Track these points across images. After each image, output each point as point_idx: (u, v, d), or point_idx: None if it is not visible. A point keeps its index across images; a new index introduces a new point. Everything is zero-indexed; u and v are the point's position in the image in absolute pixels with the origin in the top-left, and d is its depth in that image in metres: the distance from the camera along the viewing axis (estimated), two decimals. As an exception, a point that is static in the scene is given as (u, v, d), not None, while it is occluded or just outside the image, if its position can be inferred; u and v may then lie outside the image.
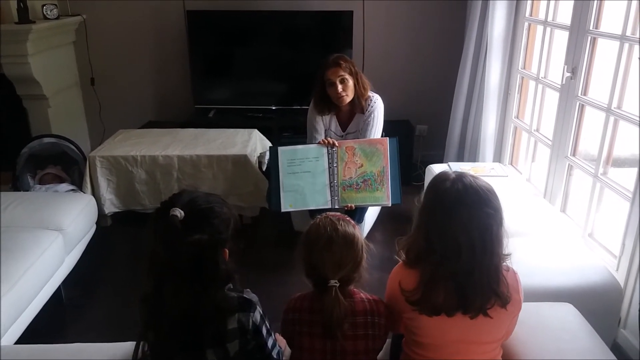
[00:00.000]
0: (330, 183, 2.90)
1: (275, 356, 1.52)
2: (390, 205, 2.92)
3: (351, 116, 3.10)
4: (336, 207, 2.87)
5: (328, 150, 2.90)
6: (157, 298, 1.34)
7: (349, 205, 2.87)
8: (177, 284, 1.31)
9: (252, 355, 1.46)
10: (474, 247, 1.36)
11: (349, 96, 2.96)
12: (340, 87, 2.91)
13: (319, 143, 2.93)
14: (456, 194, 1.38)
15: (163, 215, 1.28)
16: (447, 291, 1.39)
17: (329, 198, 2.89)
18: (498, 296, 1.39)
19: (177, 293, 1.31)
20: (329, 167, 2.90)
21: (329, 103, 3.02)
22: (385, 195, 2.88)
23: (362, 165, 2.89)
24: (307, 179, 2.89)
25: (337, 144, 2.91)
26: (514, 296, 1.42)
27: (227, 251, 1.37)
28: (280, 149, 2.93)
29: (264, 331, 1.45)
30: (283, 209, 2.91)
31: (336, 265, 1.45)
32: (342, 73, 2.90)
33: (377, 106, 3.06)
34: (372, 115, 3.04)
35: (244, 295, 1.41)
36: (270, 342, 1.48)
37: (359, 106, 3.04)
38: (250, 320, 1.39)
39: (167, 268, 1.31)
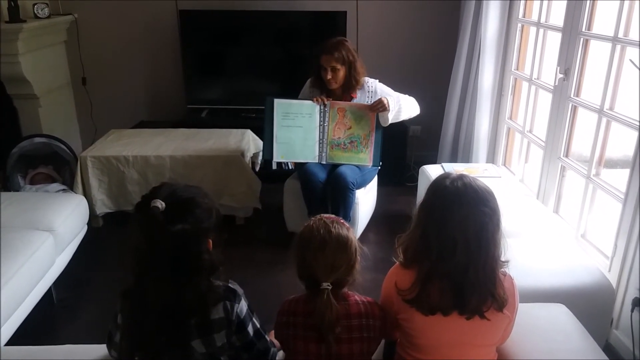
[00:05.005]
0: (320, 140, 3.09)
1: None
2: (370, 166, 3.13)
3: (345, 100, 3.15)
4: (323, 162, 3.10)
5: (320, 109, 3.07)
6: (140, 293, 1.33)
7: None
8: (159, 277, 1.30)
9: (239, 353, 1.44)
10: (468, 244, 1.37)
11: (336, 84, 3.08)
12: (329, 75, 3.03)
13: (314, 100, 3.07)
14: (455, 192, 1.40)
15: (144, 208, 1.28)
16: (443, 289, 1.40)
17: (317, 154, 3.09)
18: (494, 298, 1.39)
19: (160, 286, 1.30)
20: (320, 125, 3.08)
21: (322, 81, 3.13)
22: (368, 157, 3.12)
23: (350, 128, 3.09)
24: (299, 133, 3.08)
25: (330, 103, 3.05)
26: (510, 300, 1.43)
27: (211, 241, 1.37)
28: (277, 100, 3.08)
29: (251, 330, 1.42)
30: (275, 159, 3.22)
31: (329, 268, 1.44)
32: (334, 64, 3.00)
33: (378, 86, 3.18)
34: (378, 95, 3.13)
35: (229, 285, 1.40)
36: (262, 345, 1.46)
37: (351, 91, 3.13)
38: (235, 312, 1.37)
39: (150, 261, 1.30)
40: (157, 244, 1.28)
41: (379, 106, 3.02)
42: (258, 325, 1.46)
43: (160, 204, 1.27)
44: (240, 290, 1.41)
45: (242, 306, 1.39)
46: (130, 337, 1.36)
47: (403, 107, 3.10)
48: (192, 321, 1.33)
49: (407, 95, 3.23)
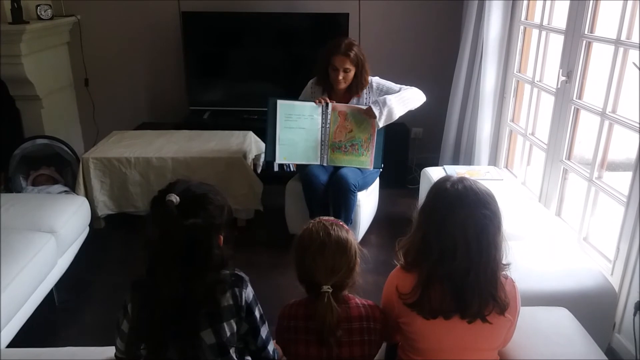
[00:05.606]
0: (321, 142, 3.09)
1: (271, 353, 1.51)
2: (371, 169, 3.14)
3: (346, 99, 3.16)
4: (324, 164, 3.11)
5: (322, 110, 3.06)
6: (150, 286, 1.37)
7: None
8: (170, 269, 1.34)
9: (246, 344, 1.46)
10: (469, 246, 1.37)
11: (346, 84, 3.08)
12: (341, 76, 3.03)
13: (316, 101, 3.07)
14: (455, 194, 1.40)
15: (160, 202, 1.34)
16: (444, 292, 1.40)
17: (319, 155, 3.10)
18: (496, 301, 1.39)
19: (170, 280, 1.34)
20: (322, 127, 3.08)
21: (327, 81, 3.13)
22: (369, 160, 3.12)
23: (351, 131, 3.09)
24: (302, 135, 3.09)
25: (332, 106, 3.04)
26: (511, 303, 1.43)
27: (222, 237, 1.42)
28: (279, 102, 3.08)
29: (257, 314, 1.45)
30: (277, 161, 3.19)
31: (329, 271, 1.44)
32: (349, 65, 3.01)
33: (374, 82, 3.16)
34: (376, 92, 3.14)
35: (236, 272, 1.44)
36: (264, 332, 1.48)
37: (357, 91, 3.14)
38: (243, 297, 1.41)
39: (162, 253, 1.35)
40: (170, 238, 1.33)
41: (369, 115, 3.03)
42: (262, 311, 1.49)
43: (175, 198, 1.32)
44: (246, 277, 1.45)
45: (249, 291, 1.44)
46: (138, 329, 1.39)
47: (395, 107, 3.03)
48: (201, 312, 1.36)
49: (406, 88, 3.18)
